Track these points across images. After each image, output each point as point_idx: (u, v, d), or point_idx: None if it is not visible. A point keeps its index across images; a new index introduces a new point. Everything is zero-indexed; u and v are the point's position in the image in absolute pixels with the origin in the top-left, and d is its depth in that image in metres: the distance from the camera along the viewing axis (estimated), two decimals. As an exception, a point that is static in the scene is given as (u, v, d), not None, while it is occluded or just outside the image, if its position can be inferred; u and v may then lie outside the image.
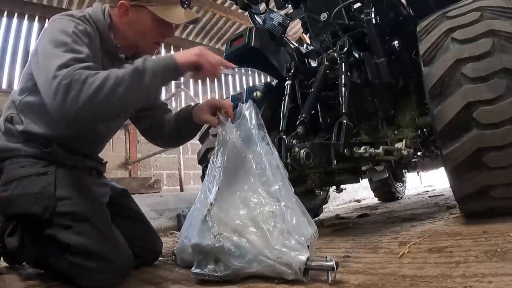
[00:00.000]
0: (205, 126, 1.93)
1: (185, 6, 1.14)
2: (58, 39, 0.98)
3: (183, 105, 5.68)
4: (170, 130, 1.35)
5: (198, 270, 0.94)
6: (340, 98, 1.43)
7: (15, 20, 4.66)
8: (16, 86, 1.14)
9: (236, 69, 1.14)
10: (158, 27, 1.13)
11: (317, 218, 2.49)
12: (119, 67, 1.19)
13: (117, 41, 1.17)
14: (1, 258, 1.43)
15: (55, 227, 1.02)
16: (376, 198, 3.59)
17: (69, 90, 0.89)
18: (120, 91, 0.91)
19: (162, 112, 1.41)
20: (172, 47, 6.21)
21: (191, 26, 6.20)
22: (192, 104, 1.34)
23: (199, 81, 6.74)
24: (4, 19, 4.57)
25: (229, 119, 1.14)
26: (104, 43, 1.15)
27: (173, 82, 6.07)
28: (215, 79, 1.21)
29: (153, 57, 1.01)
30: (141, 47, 1.18)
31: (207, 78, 1.08)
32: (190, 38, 6.51)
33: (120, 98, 0.92)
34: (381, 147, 1.35)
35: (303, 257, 0.84)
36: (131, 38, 1.17)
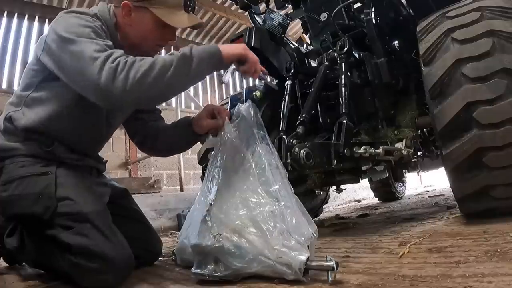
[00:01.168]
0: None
1: (189, 10, 1.13)
2: (79, 31, 0.98)
3: (183, 105, 5.71)
4: (165, 138, 1.35)
5: (198, 271, 0.95)
6: (340, 98, 1.43)
7: (15, 20, 4.66)
8: (16, 86, 1.14)
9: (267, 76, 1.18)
10: (160, 30, 1.13)
11: (317, 218, 2.49)
12: None
13: (121, 41, 1.17)
14: (1, 258, 1.43)
15: (56, 228, 1.02)
16: (376, 198, 3.58)
17: (116, 70, 0.90)
18: (168, 76, 0.94)
19: (155, 118, 1.41)
20: (172, 47, 6.21)
21: (191, 26, 6.21)
22: (191, 116, 1.33)
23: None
24: (4, 19, 4.57)
25: (228, 122, 1.15)
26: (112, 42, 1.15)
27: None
28: (255, 78, 1.24)
29: (199, 47, 1.01)
30: (142, 49, 1.17)
31: (247, 74, 1.10)
32: (190, 38, 6.51)
33: (167, 83, 0.95)
34: (381, 147, 1.35)
35: (303, 257, 0.84)
36: (133, 39, 1.16)
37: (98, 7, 1.17)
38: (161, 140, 1.36)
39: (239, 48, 1.05)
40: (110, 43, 1.01)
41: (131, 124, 1.40)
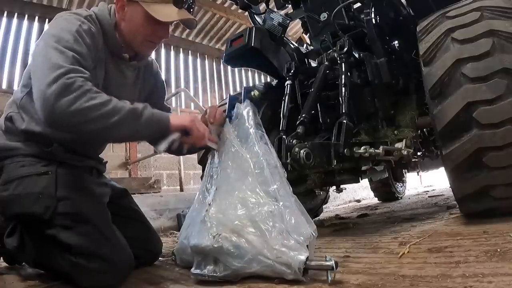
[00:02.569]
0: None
1: (181, 6, 1.11)
2: (61, 35, 0.99)
3: (183, 105, 5.70)
4: None
5: (197, 271, 0.94)
6: (340, 98, 1.43)
7: (15, 20, 4.66)
8: (16, 86, 1.14)
9: (216, 146, 1.14)
10: (150, 25, 1.11)
11: (317, 218, 2.49)
12: (121, 68, 1.18)
13: (121, 40, 1.16)
14: (1, 258, 1.42)
15: (56, 227, 1.02)
16: (376, 198, 3.58)
17: (68, 88, 0.89)
18: (112, 121, 0.92)
19: None
20: (172, 47, 6.21)
21: (191, 26, 6.20)
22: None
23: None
24: (4, 19, 4.57)
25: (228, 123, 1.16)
26: (108, 43, 1.14)
27: (173, 82, 6.09)
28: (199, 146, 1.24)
29: (154, 109, 1.03)
30: (135, 45, 1.16)
31: (190, 145, 1.10)
32: (190, 38, 6.52)
33: (107, 127, 0.93)
34: (381, 147, 1.34)
35: (302, 257, 0.84)
36: (126, 35, 1.15)
37: (98, 7, 1.17)
38: None
39: (186, 120, 1.06)
40: (84, 52, 0.99)
41: None
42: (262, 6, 2.03)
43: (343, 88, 1.44)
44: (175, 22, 1.16)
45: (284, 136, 1.35)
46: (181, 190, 3.92)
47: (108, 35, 1.14)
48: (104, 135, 0.99)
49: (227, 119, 1.19)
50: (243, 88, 1.85)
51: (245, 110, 1.14)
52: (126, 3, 1.11)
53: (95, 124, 0.91)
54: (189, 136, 1.07)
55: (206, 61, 6.81)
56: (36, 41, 1.06)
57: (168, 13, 1.09)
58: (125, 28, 1.14)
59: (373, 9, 1.63)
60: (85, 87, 0.91)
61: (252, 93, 1.74)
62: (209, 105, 6.19)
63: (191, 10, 1.17)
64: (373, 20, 1.61)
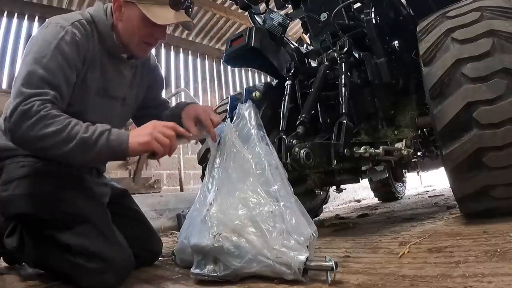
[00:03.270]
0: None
1: (178, 8, 1.10)
2: (40, 50, 1.00)
3: (183, 105, 5.67)
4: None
5: (197, 271, 0.94)
6: (340, 98, 1.43)
7: (15, 20, 4.66)
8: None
9: (192, 136, 1.08)
10: (149, 27, 1.09)
11: (317, 218, 2.49)
12: (119, 67, 1.17)
13: (119, 40, 1.15)
14: (1, 258, 1.43)
15: (56, 228, 1.02)
16: (376, 198, 3.58)
17: (25, 116, 0.91)
18: (64, 150, 0.93)
19: (162, 110, 1.40)
20: (172, 47, 6.21)
21: (191, 26, 6.20)
22: (188, 102, 1.30)
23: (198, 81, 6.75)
24: (4, 19, 4.56)
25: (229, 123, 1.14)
26: (105, 44, 1.14)
27: (173, 82, 6.09)
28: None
29: (112, 135, 0.96)
30: (131, 47, 1.15)
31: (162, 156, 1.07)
32: (190, 38, 6.51)
33: (61, 155, 0.95)
34: (381, 147, 1.34)
35: (302, 257, 0.84)
36: (123, 36, 1.14)
37: (93, 7, 1.16)
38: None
39: (142, 143, 0.97)
40: (56, 72, 0.99)
41: (143, 121, 1.41)
42: (262, 6, 2.03)
43: (343, 88, 1.44)
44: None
45: (284, 136, 1.35)
46: (181, 190, 3.92)
47: (104, 36, 1.13)
48: (64, 161, 1.01)
49: (228, 119, 1.19)
50: (244, 89, 1.85)
51: (247, 111, 1.14)
52: (123, 3, 1.09)
53: (51, 151, 0.94)
54: (155, 155, 1.00)
55: (206, 61, 6.81)
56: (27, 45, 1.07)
57: (165, 15, 1.08)
58: (122, 28, 1.13)
59: (373, 9, 1.63)
60: (42, 113, 0.92)
61: (254, 94, 1.74)
62: (209, 105, 6.20)
63: (190, 11, 1.15)
64: (373, 20, 1.61)
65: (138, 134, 0.98)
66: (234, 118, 1.17)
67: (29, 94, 0.93)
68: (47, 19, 1.10)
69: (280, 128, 1.52)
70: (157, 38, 1.15)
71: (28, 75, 0.96)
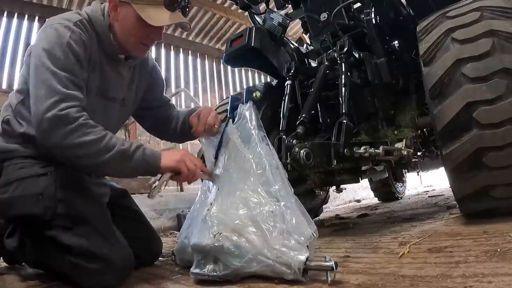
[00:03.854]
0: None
1: (173, 9, 1.08)
2: (52, 52, 0.99)
3: (183, 105, 5.67)
4: (176, 126, 1.38)
5: (197, 270, 0.95)
6: (340, 98, 1.43)
7: (15, 20, 4.66)
8: (16, 87, 1.13)
9: (213, 176, 1.13)
10: (142, 27, 1.08)
11: (317, 218, 2.49)
12: (117, 68, 1.18)
13: (116, 40, 1.14)
14: (1, 258, 1.42)
15: (56, 229, 1.02)
16: (376, 198, 3.58)
17: (61, 121, 0.92)
18: (100, 159, 0.95)
19: (166, 110, 1.42)
20: (172, 47, 6.22)
21: (191, 25, 6.21)
22: (199, 106, 1.34)
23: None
24: (4, 19, 4.57)
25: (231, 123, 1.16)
26: (103, 44, 1.13)
27: (173, 82, 6.10)
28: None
29: (146, 150, 1.01)
30: (128, 47, 1.14)
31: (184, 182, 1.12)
32: (190, 38, 6.52)
33: (95, 165, 0.97)
34: (381, 147, 1.35)
35: (302, 257, 0.84)
36: (119, 37, 1.13)
37: (90, 7, 1.15)
38: (174, 128, 1.39)
39: (176, 160, 1.03)
40: (76, 70, 1.00)
41: (144, 120, 1.45)
42: (262, 6, 2.03)
43: (343, 88, 1.44)
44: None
45: (284, 136, 1.35)
46: (181, 190, 3.92)
47: (102, 37, 1.12)
48: (93, 170, 1.03)
49: (230, 120, 1.19)
50: (244, 89, 1.85)
51: (248, 111, 1.14)
52: (119, 3, 1.08)
53: (84, 160, 0.96)
54: (180, 176, 1.05)
55: (206, 61, 6.82)
56: (29, 49, 1.06)
57: (160, 16, 1.06)
58: (118, 29, 1.12)
59: (373, 9, 1.63)
60: (80, 121, 0.93)
61: (254, 94, 1.74)
62: (209, 105, 6.20)
63: (186, 11, 1.14)
64: (373, 20, 1.61)
65: (170, 154, 1.04)
66: (235, 118, 1.17)
67: (63, 96, 0.94)
68: (46, 20, 1.10)
69: (280, 128, 1.52)
70: (153, 39, 1.14)
71: (53, 76, 0.96)
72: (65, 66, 0.98)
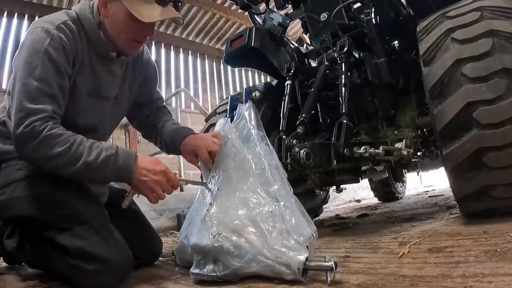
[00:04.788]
0: (206, 126, 1.94)
1: (165, 4, 1.05)
2: (30, 60, 0.99)
3: (183, 105, 5.65)
4: (162, 140, 1.35)
5: (197, 270, 0.94)
6: (340, 98, 1.43)
7: (15, 20, 4.66)
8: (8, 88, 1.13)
9: (207, 186, 1.09)
10: (134, 24, 1.05)
11: (317, 218, 2.49)
12: (109, 66, 1.16)
13: (107, 38, 1.12)
14: (1, 258, 1.42)
15: (54, 230, 1.01)
16: (376, 198, 3.58)
17: (30, 138, 0.93)
18: (69, 171, 0.96)
19: (157, 110, 1.40)
20: (172, 47, 6.21)
21: (191, 25, 6.21)
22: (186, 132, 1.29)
23: (199, 81, 6.74)
24: (4, 19, 4.57)
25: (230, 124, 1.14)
26: (92, 43, 1.10)
27: (173, 82, 6.09)
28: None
29: (119, 159, 0.98)
30: (119, 45, 1.12)
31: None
32: (190, 38, 6.52)
33: (68, 175, 0.98)
34: (381, 147, 1.35)
35: (302, 257, 0.84)
36: (110, 34, 1.10)
37: (79, 5, 1.13)
38: (160, 141, 1.36)
39: (142, 182, 1.00)
40: (51, 80, 0.99)
41: (135, 121, 1.43)
42: (262, 6, 2.03)
43: (343, 88, 1.44)
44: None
45: (284, 136, 1.35)
46: (181, 190, 3.92)
47: (91, 36, 1.10)
48: (72, 178, 1.02)
49: (228, 119, 1.19)
50: (244, 89, 1.85)
51: (247, 111, 1.14)
52: (109, 0, 1.06)
53: (58, 171, 0.97)
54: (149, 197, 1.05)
55: (206, 61, 6.82)
56: (16, 53, 1.07)
57: (151, 12, 1.03)
58: (109, 26, 1.09)
59: (373, 9, 1.63)
60: (44, 134, 0.93)
61: (254, 94, 1.74)
62: (209, 105, 6.19)
63: (179, 5, 1.11)
64: (373, 20, 1.61)
65: (144, 171, 1.00)
66: (235, 118, 1.17)
67: (28, 111, 0.94)
68: (33, 22, 1.08)
69: (280, 128, 1.52)
70: (145, 35, 1.12)
71: (24, 88, 0.97)
72: (40, 75, 0.98)
